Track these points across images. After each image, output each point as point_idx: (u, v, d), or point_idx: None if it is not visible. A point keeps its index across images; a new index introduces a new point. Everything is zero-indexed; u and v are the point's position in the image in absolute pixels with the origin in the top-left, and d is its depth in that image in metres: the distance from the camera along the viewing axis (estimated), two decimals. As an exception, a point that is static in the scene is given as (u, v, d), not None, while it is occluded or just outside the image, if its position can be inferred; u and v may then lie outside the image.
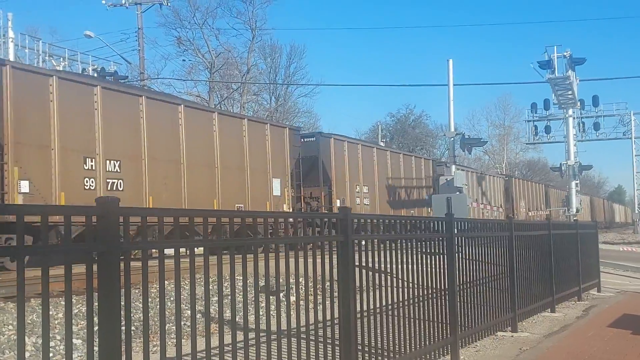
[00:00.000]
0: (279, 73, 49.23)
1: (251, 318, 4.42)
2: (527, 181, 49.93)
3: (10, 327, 8.33)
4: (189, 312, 3.94)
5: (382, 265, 5.94)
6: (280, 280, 5.01)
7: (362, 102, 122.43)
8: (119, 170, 15.44)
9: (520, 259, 9.71)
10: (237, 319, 4.16)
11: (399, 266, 6.23)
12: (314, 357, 4.87)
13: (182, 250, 3.86)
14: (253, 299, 4.37)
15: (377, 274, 5.88)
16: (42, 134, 13.94)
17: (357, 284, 5.43)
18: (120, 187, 15.38)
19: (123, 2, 34.96)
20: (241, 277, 4.41)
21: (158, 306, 3.61)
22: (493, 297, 8.57)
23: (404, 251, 6.39)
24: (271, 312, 4.83)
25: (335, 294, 5.22)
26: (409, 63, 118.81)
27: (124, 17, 78.28)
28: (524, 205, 43.67)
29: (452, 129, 27.03)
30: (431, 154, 60.38)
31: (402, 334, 6.06)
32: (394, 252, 6.13)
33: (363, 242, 5.79)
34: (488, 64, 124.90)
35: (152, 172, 16.30)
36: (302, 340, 4.71)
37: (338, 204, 23.58)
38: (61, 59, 32.72)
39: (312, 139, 24.70)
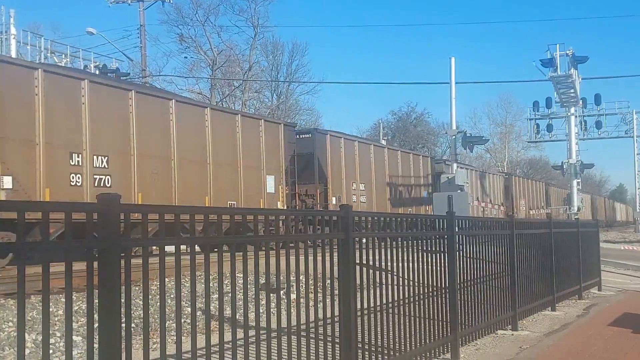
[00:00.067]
0: (281, 70, 49.34)
1: (251, 316, 4.42)
2: (527, 179, 49.88)
3: (10, 323, 8.34)
4: (189, 309, 3.94)
5: (383, 263, 5.94)
6: (281, 278, 5.01)
7: (363, 100, 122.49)
8: (106, 166, 15.12)
9: (521, 257, 9.71)
10: (237, 317, 4.17)
11: (400, 264, 6.24)
12: (314, 354, 4.87)
13: (182, 247, 3.86)
14: (253, 296, 4.37)
15: (377, 272, 5.88)
16: (27, 129, 13.58)
17: (358, 281, 5.43)
18: (108, 183, 15.06)
19: (125, -1, 34.98)
20: (241, 275, 4.41)
21: (158, 303, 3.61)
22: (493, 296, 8.57)
23: (405, 249, 6.39)
24: (272, 310, 4.83)
25: (336, 292, 5.22)
26: (411, 61, 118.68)
27: (126, 14, 78.67)
28: (524, 204, 43.64)
29: (454, 127, 27.01)
30: (433, 152, 60.39)
31: (402, 332, 6.06)
32: (394, 250, 6.13)
33: (364, 240, 5.79)
34: (490, 62, 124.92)
35: (141, 169, 15.98)
36: (302, 338, 4.71)
37: (334, 202, 23.45)
38: (63, 55, 32.73)
39: (308, 135, 24.45)
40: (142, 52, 34.71)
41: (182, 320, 4.10)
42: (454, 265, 7.28)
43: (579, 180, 37.95)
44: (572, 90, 33.95)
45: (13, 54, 28.68)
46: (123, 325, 3.27)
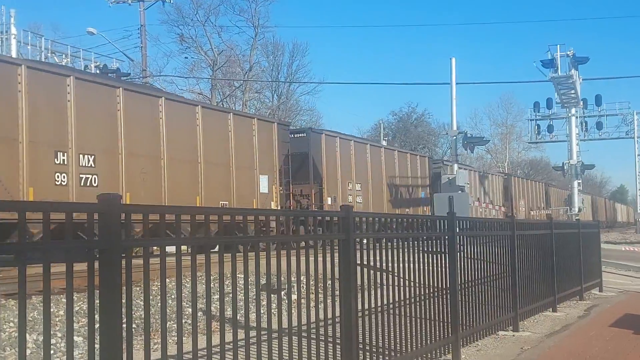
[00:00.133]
0: (282, 71, 49.39)
1: (252, 316, 4.41)
2: (526, 180, 49.82)
3: (12, 324, 8.33)
4: (189, 310, 3.94)
5: (384, 264, 5.94)
6: (282, 278, 5.01)
7: (364, 100, 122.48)
8: (93, 165, 14.73)
9: (522, 258, 9.70)
10: (238, 317, 4.16)
11: (401, 265, 6.23)
12: (315, 355, 4.86)
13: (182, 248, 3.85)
14: (254, 297, 4.36)
15: (378, 273, 5.87)
16: (9, 126, 13.22)
17: (359, 282, 5.42)
18: (95, 182, 14.67)
19: (126, -1, 35.01)
20: (242, 275, 4.41)
21: (159, 304, 3.60)
22: (494, 296, 8.56)
23: (406, 250, 6.38)
24: (272, 311, 4.82)
25: (337, 293, 5.21)
26: (412, 61, 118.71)
27: (126, 14, 78.71)
28: (523, 204, 43.61)
29: (455, 128, 26.99)
30: (433, 152, 60.42)
31: (403, 333, 6.05)
32: (395, 250, 6.13)
33: (364, 241, 5.78)
34: (491, 63, 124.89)
35: (129, 168, 15.56)
36: (303, 339, 4.70)
37: (329, 202, 23.22)
38: (63, 55, 32.73)
39: (302, 134, 24.12)
40: (143, 52, 34.77)
41: (183, 321, 4.09)
42: (455, 266, 7.27)
43: (580, 181, 37.93)
44: (572, 91, 33.94)
45: (13, 54, 28.66)
46: (124, 325, 3.27)
